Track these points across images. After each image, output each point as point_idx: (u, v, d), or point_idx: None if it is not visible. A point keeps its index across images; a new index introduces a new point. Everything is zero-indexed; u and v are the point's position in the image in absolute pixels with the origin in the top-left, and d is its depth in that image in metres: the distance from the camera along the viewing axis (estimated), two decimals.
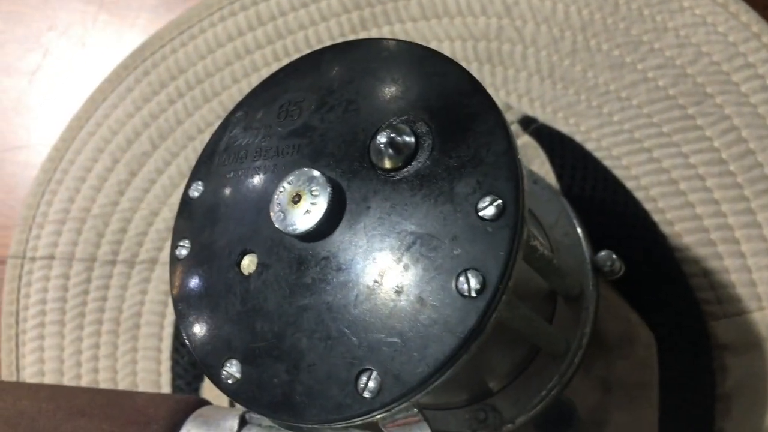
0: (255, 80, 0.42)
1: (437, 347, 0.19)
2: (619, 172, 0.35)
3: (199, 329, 0.23)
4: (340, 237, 0.21)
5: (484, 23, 0.38)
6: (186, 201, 0.25)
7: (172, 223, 0.40)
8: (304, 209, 0.21)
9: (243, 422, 0.26)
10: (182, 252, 0.25)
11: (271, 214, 0.22)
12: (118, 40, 0.46)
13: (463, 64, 0.37)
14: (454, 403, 0.28)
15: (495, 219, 0.20)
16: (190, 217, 0.25)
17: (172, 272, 0.25)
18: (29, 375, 0.41)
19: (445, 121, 0.21)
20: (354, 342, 0.20)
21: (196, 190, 0.25)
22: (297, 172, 0.22)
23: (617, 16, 0.37)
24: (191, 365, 0.39)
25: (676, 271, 0.34)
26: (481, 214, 0.20)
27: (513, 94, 0.37)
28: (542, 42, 0.37)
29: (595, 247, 0.29)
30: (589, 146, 0.36)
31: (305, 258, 0.22)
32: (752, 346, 0.33)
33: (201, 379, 0.38)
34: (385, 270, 0.20)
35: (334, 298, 0.21)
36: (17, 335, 0.42)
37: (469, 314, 0.19)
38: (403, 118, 0.22)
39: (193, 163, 0.41)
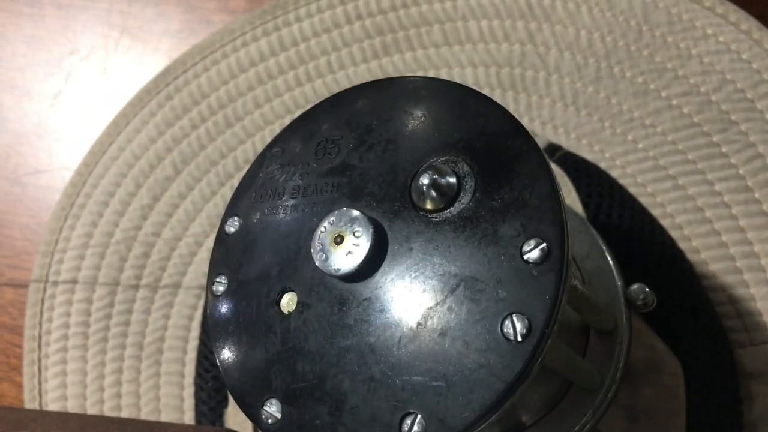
0: (277, 105, 0.42)
1: (483, 392, 0.19)
2: (644, 200, 0.35)
3: (237, 368, 0.23)
4: (382, 278, 0.21)
5: (507, 50, 0.38)
6: (222, 236, 0.26)
7: (194, 248, 0.40)
8: (346, 250, 0.21)
9: None
10: (219, 288, 0.25)
11: (313, 254, 0.22)
12: (140, 65, 0.46)
13: (486, 90, 0.37)
14: None
15: (540, 263, 0.20)
16: (227, 253, 0.25)
17: (209, 308, 0.25)
18: (52, 399, 0.41)
19: (487, 162, 0.21)
20: (398, 384, 0.20)
21: (233, 226, 0.25)
22: (338, 212, 0.22)
23: (641, 43, 0.37)
24: (215, 391, 0.39)
25: (702, 299, 0.34)
26: (526, 257, 0.20)
27: (537, 120, 0.38)
28: (566, 69, 0.38)
29: (626, 279, 0.29)
30: (614, 173, 0.36)
31: (347, 298, 0.22)
32: None
33: (224, 405, 0.38)
34: (428, 312, 0.20)
35: (377, 340, 0.21)
36: (40, 359, 0.42)
37: (515, 359, 0.19)
38: (444, 158, 0.22)
39: (216, 188, 0.41)
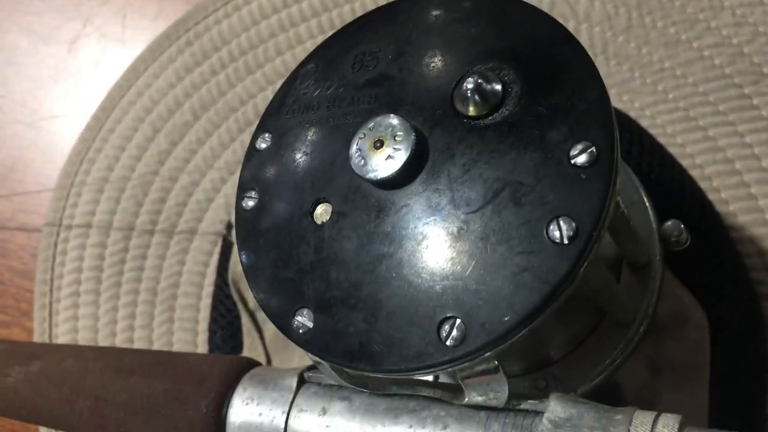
0: (299, 53, 0.41)
1: (526, 295, 0.19)
2: (674, 150, 0.34)
3: (267, 279, 0.23)
4: (422, 185, 0.21)
5: None
6: (252, 153, 0.25)
7: (211, 194, 0.40)
8: (386, 155, 0.21)
9: (302, 381, 0.26)
10: (249, 203, 0.24)
11: (351, 159, 0.21)
12: (161, 10, 0.45)
13: None
14: (513, 372, 0.27)
15: (588, 166, 0.19)
16: (258, 169, 0.25)
17: (237, 223, 0.24)
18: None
19: (533, 69, 0.21)
20: (437, 290, 0.20)
21: (264, 142, 0.25)
22: (378, 119, 0.21)
23: None
24: (230, 337, 0.38)
25: (730, 250, 0.33)
26: (573, 161, 0.19)
27: None
28: (596, 18, 0.37)
29: (660, 218, 0.28)
30: (644, 123, 0.35)
31: (385, 206, 0.21)
32: None
33: (239, 350, 0.38)
34: (470, 217, 0.20)
35: (416, 246, 0.20)
36: (51, 304, 0.42)
37: (561, 262, 0.19)
38: (489, 65, 0.21)
39: (235, 134, 0.41)
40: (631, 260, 0.27)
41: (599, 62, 0.36)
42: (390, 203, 0.21)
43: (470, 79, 0.21)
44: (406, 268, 0.20)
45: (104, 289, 0.41)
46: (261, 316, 0.38)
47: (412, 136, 0.21)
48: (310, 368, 0.26)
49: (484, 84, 0.21)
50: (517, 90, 0.21)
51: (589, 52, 0.36)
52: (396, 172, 0.21)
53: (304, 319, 0.22)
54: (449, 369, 0.20)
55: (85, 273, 0.41)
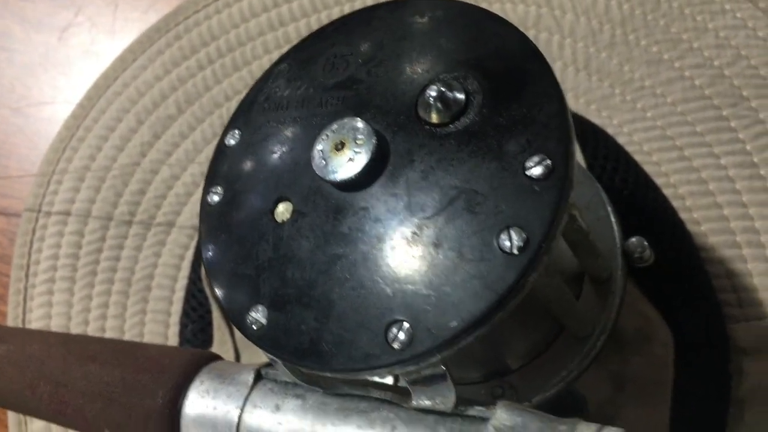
0: None
1: (474, 302, 0.19)
2: (649, 168, 0.35)
3: (226, 274, 0.23)
4: (381, 188, 0.21)
5: (523, 10, 0.38)
6: (222, 149, 0.25)
7: (191, 188, 0.40)
8: (347, 157, 0.21)
9: (258, 377, 0.26)
10: (214, 198, 0.24)
11: (313, 160, 0.22)
12: (152, 3, 0.45)
13: None
14: (471, 378, 0.28)
15: (543, 179, 0.19)
16: (225, 165, 0.25)
17: (201, 218, 0.24)
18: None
19: (496, 80, 0.21)
20: (387, 292, 0.20)
21: (233, 138, 0.25)
22: (342, 121, 0.22)
23: (658, 12, 0.37)
24: (200, 331, 0.38)
25: (699, 270, 0.33)
26: (528, 173, 0.20)
27: None
28: (580, 33, 0.37)
29: (625, 234, 0.28)
30: (621, 140, 0.35)
31: (343, 207, 0.21)
32: None
33: (209, 344, 0.38)
34: (424, 223, 0.20)
35: (370, 249, 0.21)
36: (26, 289, 0.42)
37: (510, 271, 0.19)
38: (454, 74, 0.21)
39: (218, 130, 0.41)
40: (592, 274, 0.27)
41: (581, 77, 0.37)
42: (348, 205, 0.21)
43: (434, 87, 0.21)
44: (360, 270, 0.20)
45: (79, 277, 0.41)
46: None
47: (374, 140, 0.21)
48: (268, 365, 0.26)
49: (447, 92, 0.21)
50: (479, 100, 0.21)
51: (572, 67, 0.37)
52: (355, 174, 0.21)
53: (258, 316, 0.22)
54: (396, 372, 0.20)
55: (61, 260, 0.42)
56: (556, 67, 0.37)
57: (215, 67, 0.42)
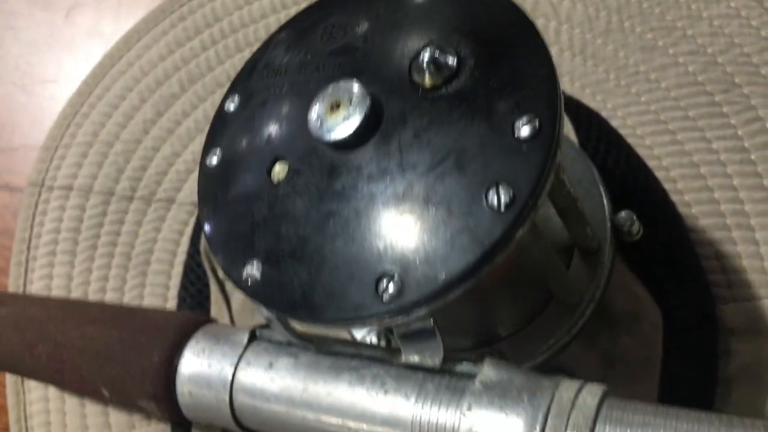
0: None
1: (461, 256, 0.20)
2: (641, 151, 0.35)
3: (222, 232, 0.24)
4: (374, 148, 0.22)
5: None
6: (221, 114, 0.26)
7: (192, 166, 0.41)
8: (341, 117, 0.22)
9: (253, 337, 0.27)
10: (212, 160, 0.25)
11: (309, 121, 0.22)
12: None
13: None
14: (461, 346, 0.28)
15: (531, 138, 0.20)
16: (224, 129, 0.25)
17: (200, 180, 0.25)
18: None
19: (489, 46, 0.22)
20: (378, 246, 0.21)
21: (232, 103, 0.26)
22: (338, 84, 0.22)
23: (653, 0, 0.37)
24: (198, 305, 0.39)
25: (689, 251, 0.34)
26: (517, 133, 0.20)
27: None
28: (577, 19, 0.38)
29: (615, 211, 0.29)
30: (614, 123, 0.36)
31: (337, 166, 0.22)
32: (759, 332, 0.33)
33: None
34: (415, 181, 0.21)
35: (362, 205, 0.21)
36: (27, 261, 0.42)
37: (496, 226, 0.19)
38: (447, 40, 0.22)
39: None
40: (582, 245, 0.27)
41: (576, 62, 0.37)
42: (342, 164, 0.22)
43: (427, 51, 0.22)
44: (352, 226, 0.21)
45: (80, 251, 0.42)
46: (229, 285, 0.38)
47: (368, 101, 0.22)
48: (263, 326, 0.27)
49: (440, 56, 0.21)
50: (471, 64, 0.22)
51: (568, 52, 0.37)
52: (349, 134, 0.21)
53: (253, 271, 0.22)
54: (385, 323, 0.21)
55: (62, 234, 0.42)
56: (553, 52, 0.38)
57: (218, 47, 0.43)
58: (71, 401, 0.38)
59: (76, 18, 0.47)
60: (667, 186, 0.35)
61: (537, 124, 0.20)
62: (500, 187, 0.20)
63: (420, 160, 0.21)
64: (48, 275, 0.42)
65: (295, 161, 0.23)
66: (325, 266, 0.21)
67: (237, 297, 0.38)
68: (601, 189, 0.29)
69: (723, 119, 0.35)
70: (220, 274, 0.39)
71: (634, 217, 0.28)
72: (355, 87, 0.22)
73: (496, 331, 0.28)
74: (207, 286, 0.39)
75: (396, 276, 0.20)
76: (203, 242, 0.39)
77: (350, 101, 0.22)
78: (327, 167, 0.22)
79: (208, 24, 0.44)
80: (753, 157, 0.35)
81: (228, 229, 0.23)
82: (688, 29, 0.37)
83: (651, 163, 0.35)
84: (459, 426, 0.21)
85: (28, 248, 0.43)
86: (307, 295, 0.21)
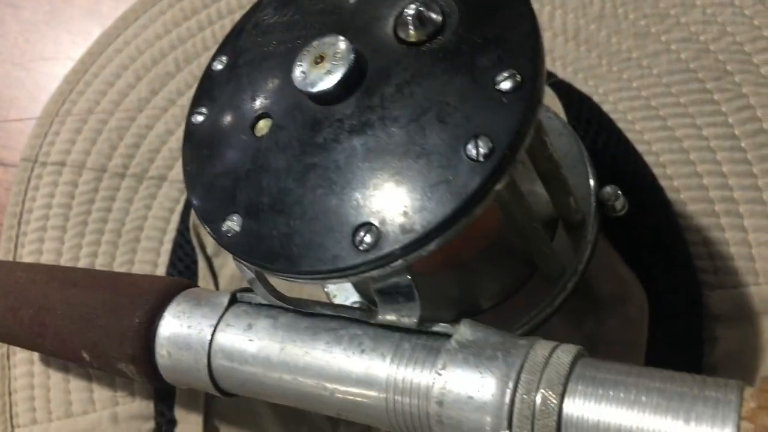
0: None
1: (439, 207, 0.20)
2: (631, 136, 0.35)
3: (204, 187, 0.24)
4: (357, 101, 0.22)
5: None
6: (208, 73, 0.26)
7: None
8: (325, 69, 0.22)
9: (233, 300, 0.27)
10: (198, 118, 0.25)
11: (293, 75, 0.22)
12: None
13: None
14: (443, 318, 0.28)
15: (511, 92, 0.20)
16: (211, 88, 0.25)
17: (185, 137, 0.25)
18: None
19: (474, 3, 0.22)
20: (357, 198, 0.21)
21: (220, 63, 0.26)
22: (323, 38, 0.22)
23: None
24: None
25: (677, 236, 0.34)
26: (498, 87, 0.20)
27: None
28: (571, 5, 0.38)
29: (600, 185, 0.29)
30: (606, 108, 0.36)
31: (320, 120, 0.22)
32: (744, 319, 0.33)
33: None
34: (397, 133, 0.21)
35: (343, 158, 0.21)
36: (17, 236, 0.42)
37: (474, 177, 0.19)
38: None
39: None
40: (566, 217, 0.27)
41: (569, 47, 0.38)
42: (325, 117, 0.22)
43: (412, 6, 0.22)
44: (332, 177, 0.21)
45: (71, 226, 0.42)
46: (218, 261, 0.38)
47: (351, 55, 0.22)
48: (245, 290, 0.27)
49: (424, 11, 0.22)
50: (455, 20, 0.22)
51: (561, 37, 0.38)
52: (332, 86, 0.21)
53: (233, 224, 0.22)
54: (362, 274, 0.20)
55: (54, 209, 0.42)
56: (547, 37, 0.38)
57: (215, 28, 0.43)
58: (56, 376, 0.38)
59: None
60: (656, 171, 0.35)
61: (518, 78, 0.20)
62: (479, 139, 0.20)
63: (402, 114, 0.21)
64: (38, 250, 0.42)
65: (279, 117, 0.23)
66: (304, 218, 0.21)
67: (225, 273, 0.38)
68: (588, 164, 0.29)
69: (714, 106, 0.35)
70: (209, 250, 0.39)
71: (619, 192, 0.28)
72: (339, 41, 0.22)
73: (478, 304, 0.28)
74: (195, 262, 0.39)
75: (374, 227, 0.20)
76: (192, 218, 0.39)
77: (334, 55, 0.22)
78: (310, 121, 0.22)
79: (205, 4, 0.44)
80: (743, 144, 0.35)
81: (210, 185, 0.23)
82: (681, 17, 0.37)
83: (641, 148, 0.35)
84: (433, 385, 0.21)
85: (19, 223, 0.43)
86: (285, 246, 0.21)
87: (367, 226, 0.20)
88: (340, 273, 0.20)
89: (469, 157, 0.20)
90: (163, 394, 0.36)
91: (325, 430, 0.33)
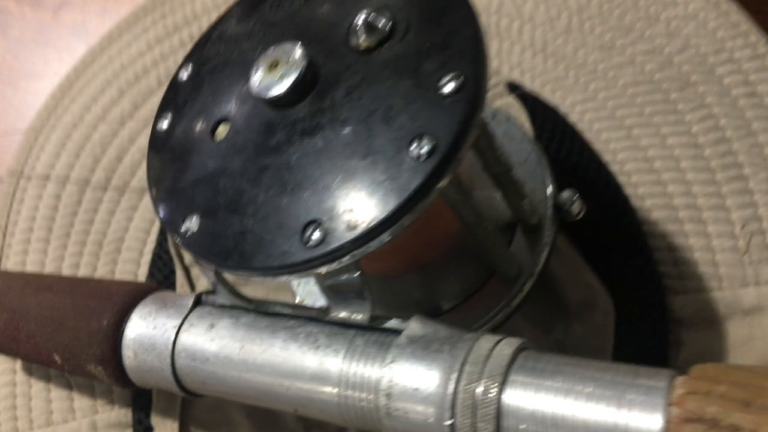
0: None
1: (383, 204, 0.20)
2: (597, 146, 0.36)
3: (166, 190, 0.24)
4: (309, 105, 0.23)
5: None
6: (174, 82, 0.27)
7: None
8: (279, 75, 0.23)
9: (198, 302, 0.27)
10: (162, 126, 0.26)
11: (250, 79, 0.23)
12: None
13: None
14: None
15: (454, 93, 0.21)
16: (176, 95, 0.26)
17: (150, 143, 0.26)
18: None
19: (421, 11, 0.23)
20: (305, 197, 0.21)
21: (186, 72, 0.27)
22: (279, 46, 0.23)
23: (613, 3, 0.38)
24: None
25: (641, 243, 0.34)
26: (442, 89, 0.21)
27: (506, 64, 0.39)
28: (539, 19, 0.39)
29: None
30: (572, 118, 0.37)
31: (274, 123, 0.23)
32: (708, 324, 0.33)
33: None
34: (345, 134, 0.22)
35: (295, 158, 0.22)
36: (2, 248, 0.43)
37: (417, 176, 0.20)
38: (383, 6, 0.23)
39: None
40: (522, 220, 0.28)
41: (537, 60, 0.38)
42: (279, 121, 0.23)
43: (362, 16, 0.23)
44: (284, 177, 0.22)
45: (54, 238, 0.43)
46: (195, 271, 0.39)
47: (304, 61, 0.23)
48: (209, 292, 0.28)
49: (374, 20, 0.22)
50: (404, 28, 0.23)
51: (529, 50, 0.39)
52: (285, 90, 0.22)
53: (191, 224, 0.23)
54: (311, 270, 0.21)
55: (38, 222, 0.43)
56: (515, 50, 0.39)
57: None
58: (37, 386, 0.39)
59: (63, 16, 0.48)
60: (621, 179, 0.36)
61: (461, 80, 0.21)
62: (423, 138, 0.21)
63: (350, 116, 0.22)
64: (22, 262, 0.43)
65: (237, 121, 0.24)
66: (257, 216, 0.22)
67: (201, 283, 0.39)
68: (547, 170, 0.29)
69: (677, 116, 0.36)
70: (186, 260, 0.39)
71: (576, 196, 0.28)
72: (293, 48, 0.23)
73: (438, 305, 0.28)
74: (174, 273, 0.40)
75: (321, 225, 0.21)
76: None
77: (287, 61, 0.23)
78: (264, 125, 0.23)
79: (187, 22, 0.45)
80: (706, 152, 0.35)
81: (171, 188, 0.24)
82: (646, 30, 0.38)
83: (606, 157, 0.36)
84: (382, 378, 0.22)
85: (4, 235, 0.43)
86: (239, 244, 0.22)
87: (316, 223, 0.21)
88: (289, 269, 0.21)
89: (412, 157, 0.20)
90: (141, 402, 0.37)
91: None
